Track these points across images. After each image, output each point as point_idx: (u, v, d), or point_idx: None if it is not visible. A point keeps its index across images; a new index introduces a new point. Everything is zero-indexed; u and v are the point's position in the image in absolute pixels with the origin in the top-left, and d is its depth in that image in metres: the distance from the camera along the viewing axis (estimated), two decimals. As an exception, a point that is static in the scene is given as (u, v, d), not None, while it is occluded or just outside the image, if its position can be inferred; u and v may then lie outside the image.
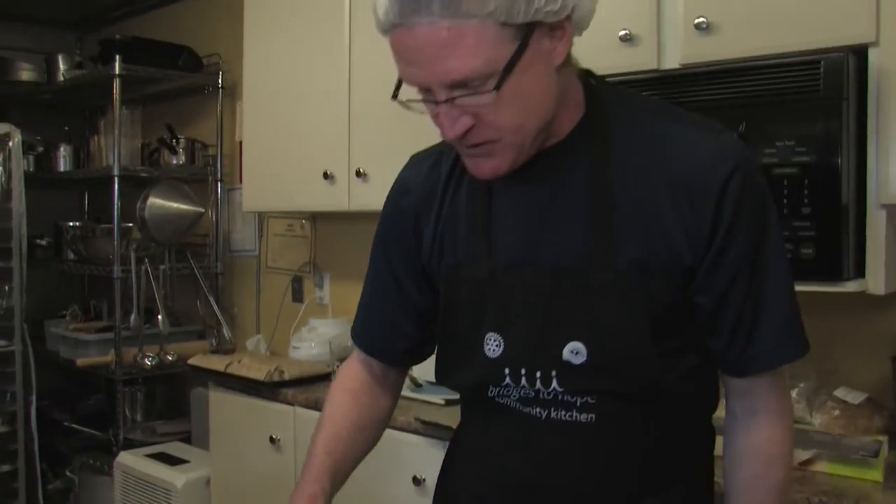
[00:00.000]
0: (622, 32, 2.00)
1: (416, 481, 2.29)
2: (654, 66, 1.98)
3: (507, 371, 1.16)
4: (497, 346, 1.16)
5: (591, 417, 1.13)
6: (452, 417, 2.25)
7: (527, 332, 1.14)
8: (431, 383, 2.60)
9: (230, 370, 2.88)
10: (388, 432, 2.30)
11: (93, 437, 3.83)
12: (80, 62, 4.10)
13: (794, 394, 1.94)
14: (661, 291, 1.09)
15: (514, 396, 1.17)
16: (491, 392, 1.20)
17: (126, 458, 3.33)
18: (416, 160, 1.30)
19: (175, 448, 3.44)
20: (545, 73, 1.05)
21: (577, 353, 1.11)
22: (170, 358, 3.59)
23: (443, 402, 2.45)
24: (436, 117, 1.07)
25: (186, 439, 3.65)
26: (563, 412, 1.14)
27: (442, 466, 1.40)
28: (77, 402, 4.15)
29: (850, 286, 1.72)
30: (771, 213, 1.12)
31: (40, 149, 4.17)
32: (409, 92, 1.08)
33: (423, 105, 1.08)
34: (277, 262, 3.57)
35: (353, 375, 1.36)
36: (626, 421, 1.14)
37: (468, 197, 1.20)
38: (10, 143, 3.67)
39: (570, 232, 1.12)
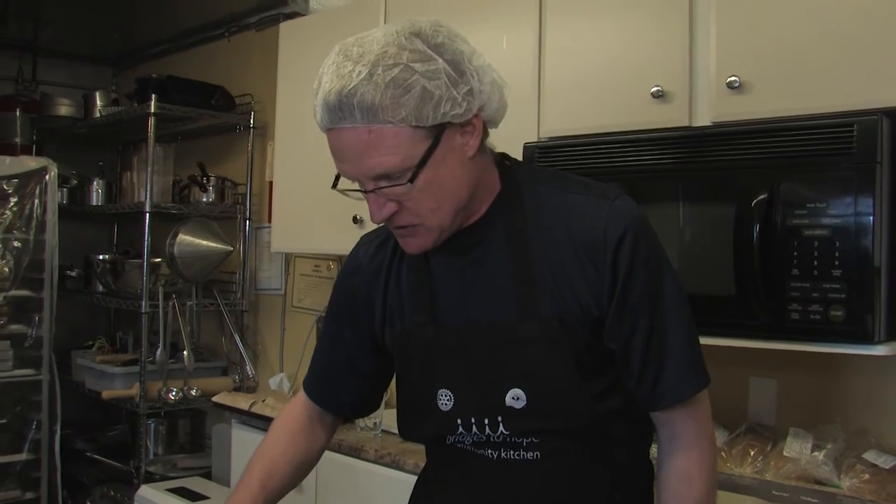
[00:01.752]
0: (654, 89, 2.01)
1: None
2: (685, 122, 1.99)
3: (459, 421, 1.30)
4: (448, 400, 1.31)
5: (536, 455, 1.29)
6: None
7: (472, 385, 1.29)
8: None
9: (255, 409, 2.90)
10: (398, 476, 2.37)
11: (113, 469, 3.85)
12: (117, 98, 4.18)
13: (820, 455, 1.92)
14: (579, 339, 1.25)
15: (469, 441, 1.32)
16: (448, 440, 1.34)
17: (147, 491, 3.34)
18: (366, 241, 1.46)
19: (195, 483, 3.44)
20: (458, 164, 1.22)
21: (517, 398, 1.26)
22: (193, 393, 3.61)
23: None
24: (368, 203, 1.23)
25: (207, 475, 3.65)
26: (512, 452, 1.29)
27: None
28: (99, 432, 4.18)
29: (881, 349, 1.71)
30: (664, 264, 1.28)
31: (74, 182, 4.25)
32: (347, 182, 1.24)
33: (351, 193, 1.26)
34: (303, 301, 3.60)
35: (295, 415, 1.50)
36: (568, 457, 1.29)
37: (409, 269, 1.36)
38: (47, 177, 3.74)
39: (498, 293, 1.28)
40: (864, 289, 1.68)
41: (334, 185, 1.27)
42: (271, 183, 3.52)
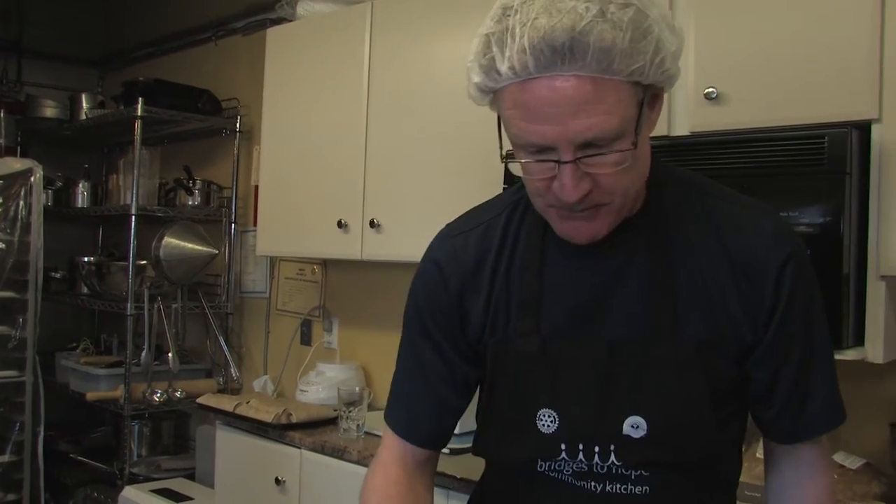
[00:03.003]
0: (634, 99, 2.06)
1: (419, 529, 2.31)
2: (664, 132, 2.04)
3: (563, 447, 1.14)
4: (552, 421, 1.14)
5: (646, 490, 1.14)
6: (459, 467, 2.28)
7: (583, 407, 1.13)
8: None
9: (239, 411, 2.92)
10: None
11: (97, 470, 3.86)
12: (103, 101, 4.19)
13: (793, 456, 1.97)
14: (720, 365, 1.12)
15: (567, 471, 1.16)
16: (541, 466, 1.18)
17: (131, 492, 3.36)
18: (458, 232, 1.24)
19: (179, 484, 3.47)
20: (647, 139, 1.07)
21: (637, 427, 1.11)
22: (178, 395, 3.63)
23: (448, 451, 2.48)
24: (542, 181, 1.03)
25: (190, 476, 3.67)
26: (619, 485, 1.14)
27: None
28: (83, 434, 4.18)
29: (850, 354, 1.77)
30: (818, 292, 1.17)
31: (59, 184, 4.26)
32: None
33: (521, 169, 1.04)
34: (287, 304, 3.63)
35: (393, 477, 1.25)
36: (679, 491, 1.15)
37: (521, 268, 1.18)
38: (32, 179, 3.75)
39: (629, 306, 1.12)
40: (833, 296, 1.73)
41: (506, 158, 1.04)
42: (257, 187, 3.55)
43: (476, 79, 1.02)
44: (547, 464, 1.17)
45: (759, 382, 1.15)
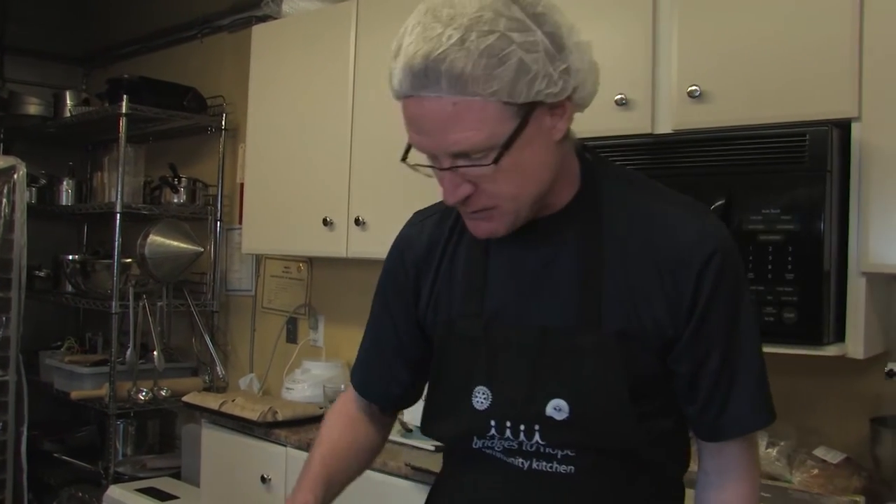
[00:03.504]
0: (618, 96, 2.08)
1: (405, 526, 2.32)
2: (647, 130, 2.06)
3: (492, 423, 1.21)
4: (485, 398, 1.21)
5: (571, 469, 1.19)
6: (439, 463, 2.29)
7: (513, 387, 1.19)
8: (422, 428, 2.64)
9: (224, 409, 2.92)
10: (378, 476, 2.40)
11: (81, 469, 3.84)
12: (87, 98, 4.18)
13: (774, 452, 2.00)
14: (641, 358, 1.16)
15: (498, 448, 1.23)
16: (475, 443, 1.24)
17: (116, 492, 3.34)
18: (420, 217, 1.37)
19: (165, 483, 3.45)
20: (544, 148, 1.12)
21: (559, 409, 1.17)
22: (163, 393, 3.62)
23: (433, 447, 2.49)
24: (440, 181, 1.14)
25: (176, 475, 3.66)
26: (545, 463, 1.20)
27: None
28: (67, 433, 4.16)
29: (831, 350, 1.79)
30: (745, 291, 1.20)
31: (43, 182, 4.24)
32: (418, 155, 1.15)
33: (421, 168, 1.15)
34: (273, 302, 3.62)
35: (350, 407, 1.43)
36: (604, 475, 1.20)
37: (466, 255, 1.27)
38: (16, 176, 3.72)
39: (560, 296, 1.19)
40: (814, 292, 1.76)
41: (404, 158, 1.15)
42: (242, 184, 3.55)
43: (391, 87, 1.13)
44: (481, 441, 1.23)
45: (681, 378, 1.19)
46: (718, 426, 1.19)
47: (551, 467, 1.20)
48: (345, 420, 1.42)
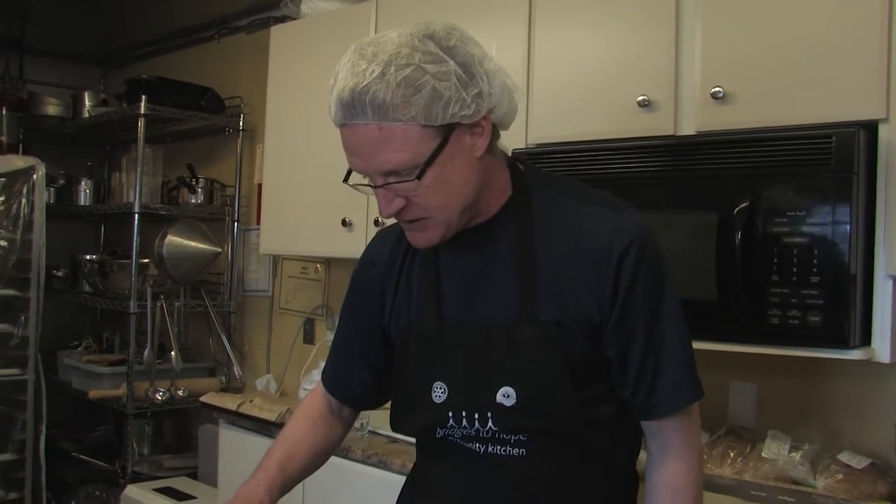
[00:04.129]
0: (640, 98, 2.06)
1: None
2: (670, 131, 2.04)
3: (450, 413, 1.34)
4: (442, 392, 1.35)
5: (522, 452, 1.32)
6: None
7: (466, 380, 1.33)
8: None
9: (242, 410, 2.92)
10: (385, 476, 2.40)
11: (99, 469, 3.86)
12: (105, 99, 4.19)
13: (797, 456, 1.98)
14: (576, 345, 1.29)
15: (458, 435, 1.35)
16: (438, 433, 1.37)
17: (133, 491, 3.36)
18: (381, 235, 1.51)
19: (182, 483, 3.47)
20: (466, 164, 1.25)
21: (508, 396, 1.30)
22: (180, 393, 3.63)
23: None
24: (376, 198, 1.27)
25: (193, 475, 3.67)
26: (499, 447, 1.33)
27: (398, 499, 1.57)
28: (84, 432, 4.18)
29: (856, 354, 1.77)
30: (666, 278, 1.31)
31: (62, 182, 4.25)
32: (358, 177, 1.28)
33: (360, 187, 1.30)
34: (290, 303, 3.63)
35: (316, 405, 1.56)
36: (553, 457, 1.32)
37: (421, 266, 1.41)
38: (35, 176, 3.75)
39: (500, 294, 1.32)
40: (840, 295, 1.74)
41: (346, 180, 1.31)
42: (260, 185, 3.55)
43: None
44: (442, 430, 1.36)
45: (613, 362, 1.31)
46: (650, 405, 1.31)
47: (505, 451, 1.32)
48: (308, 423, 1.54)
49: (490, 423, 1.31)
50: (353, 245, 2.82)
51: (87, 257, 4.06)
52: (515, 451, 1.32)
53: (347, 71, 1.20)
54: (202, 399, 3.14)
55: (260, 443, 2.89)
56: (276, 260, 3.70)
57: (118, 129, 4.03)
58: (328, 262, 3.46)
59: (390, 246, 1.46)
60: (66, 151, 4.51)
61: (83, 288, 4.15)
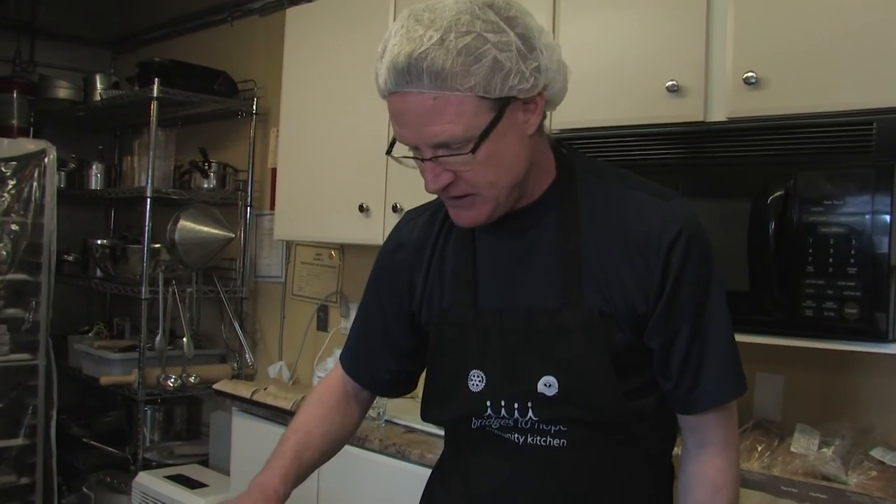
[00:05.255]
0: (669, 83, 2.01)
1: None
2: (700, 118, 1.98)
3: (488, 403, 1.30)
4: (480, 381, 1.30)
5: (563, 443, 1.28)
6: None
7: (505, 368, 1.28)
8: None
9: (256, 398, 2.89)
10: (416, 469, 2.36)
11: (110, 455, 3.83)
12: (117, 82, 4.14)
13: (829, 451, 1.93)
14: (619, 334, 1.24)
15: (496, 425, 1.31)
16: (474, 423, 1.33)
17: (145, 478, 3.33)
18: (411, 216, 1.45)
19: (193, 471, 3.44)
20: (518, 140, 1.20)
21: (549, 385, 1.25)
22: (192, 380, 3.60)
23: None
24: (422, 172, 1.21)
25: (204, 462, 3.65)
26: (538, 438, 1.28)
27: (424, 494, 1.52)
28: (94, 418, 4.15)
29: (894, 348, 1.72)
30: (713, 269, 1.27)
31: (73, 166, 4.22)
32: (403, 149, 1.23)
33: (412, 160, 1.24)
34: (304, 290, 3.58)
35: (331, 391, 1.50)
36: (594, 448, 1.28)
37: (455, 249, 1.35)
38: (46, 160, 3.71)
39: (542, 280, 1.27)
40: (878, 287, 1.68)
41: (389, 151, 1.25)
42: (273, 170, 3.51)
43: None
44: (478, 420, 1.32)
45: (656, 354, 1.27)
46: (692, 399, 1.27)
47: (545, 441, 1.28)
48: (323, 410, 1.48)
49: (530, 413, 1.27)
50: (370, 231, 2.77)
51: (99, 242, 4.02)
52: (556, 441, 1.28)
53: (402, 36, 1.14)
54: (216, 386, 3.11)
55: (273, 431, 2.85)
56: (290, 246, 3.65)
57: (130, 113, 3.99)
58: (342, 249, 3.42)
59: (421, 228, 1.40)
60: (77, 135, 4.47)
61: (94, 273, 4.12)
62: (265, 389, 2.90)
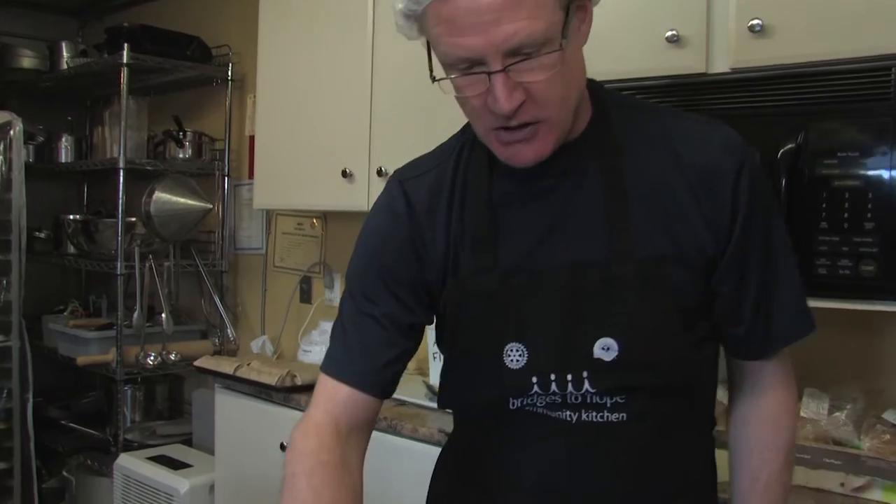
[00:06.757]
0: (669, 33, 1.90)
1: (438, 496, 2.19)
2: (702, 69, 1.88)
3: (534, 380, 1.12)
4: (520, 356, 1.12)
5: (622, 417, 1.12)
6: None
7: (551, 336, 1.10)
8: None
9: (240, 373, 2.78)
10: (407, 444, 2.27)
11: (90, 437, 3.73)
12: (84, 50, 3.98)
13: (842, 416, 1.86)
14: (685, 282, 1.10)
15: (541, 404, 1.14)
16: (512, 404, 1.15)
17: (126, 460, 3.23)
18: (411, 175, 1.23)
19: (177, 451, 3.34)
20: (579, 51, 1.07)
21: (608, 348, 1.09)
22: (172, 357, 3.49)
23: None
24: (477, 98, 1.03)
25: (187, 441, 3.55)
26: (594, 413, 1.12)
27: (437, 482, 1.35)
28: (72, 399, 4.04)
29: (915, 309, 1.64)
30: (775, 203, 1.18)
31: (41, 139, 4.06)
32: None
33: (455, 90, 1.05)
34: (285, 261, 3.47)
35: (323, 443, 1.13)
36: (658, 418, 1.14)
37: (472, 205, 1.17)
38: (11, 132, 3.55)
39: (588, 228, 1.11)
40: (897, 243, 1.60)
41: (432, 75, 1.05)
42: (251, 138, 3.38)
43: (399, 5, 1.04)
44: (519, 400, 1.14)
45: (727, 297, 1.14)
46: (768, 340, 1.17)
47: (601, 417, 1.12)
48: (331, 473, 1.11)
49: (586, 385, 1.10)
50: (355, 197, 2.66)
51: (71, 217, 3.87)
52: (614, 416, 1.12)
53: None
54: (197, 363, 3.00)
55: (258, 408, 2.76)
56: (270, 216, 3.53)
57: (99, 82, 3.83)
58: (325, 217, 3.30)
59: (427, 187, 1.19)
60: (44, 107, 4.30)
61: (67, 249, 3.98)
62: (248, 365, 2.80)
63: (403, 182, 1.23)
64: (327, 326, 2.96)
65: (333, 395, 1.18)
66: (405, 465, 2.25)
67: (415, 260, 1.18)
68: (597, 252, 1.10)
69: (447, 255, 1.17)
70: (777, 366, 1.21)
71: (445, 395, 1.22)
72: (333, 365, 1.20)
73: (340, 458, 1.13)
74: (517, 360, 1.12)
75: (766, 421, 1.21)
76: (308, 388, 2.66)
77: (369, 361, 1.19)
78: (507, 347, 1.12)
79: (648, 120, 1.15)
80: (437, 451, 2.19)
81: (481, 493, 1.23)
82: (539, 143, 1.05)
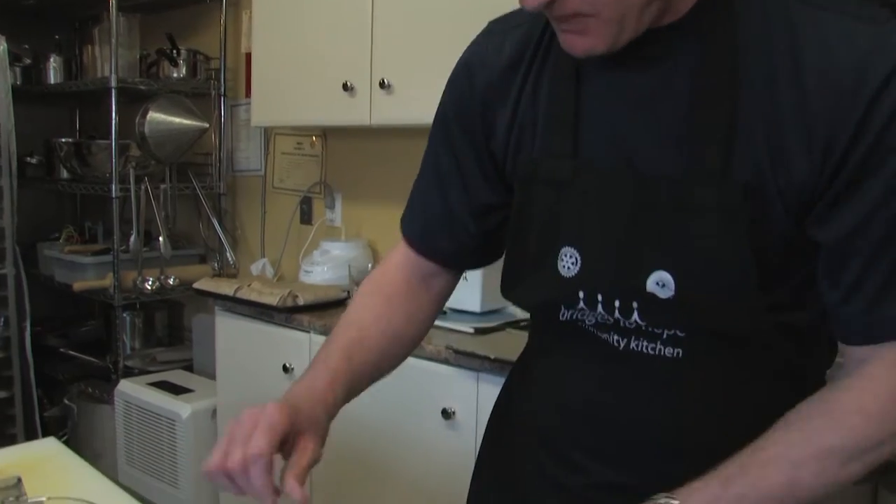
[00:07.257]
0: None
1: (446, 414, 2.15)
2: None
3: (581, 294, 0.98)
4: (573, 263, 0.97)
5: (679, 353, 0.95)
6: (483, 346, 2.10)
7: (607, 251, 0.94)
8: (457, 311, 2.44)
9: (240, 294, 2.71)
10: (415, 362, 2.20)
11: (89, 365, 3.68)
12: (70, -34, 3.82)
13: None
14: (775, 219, 0.87)
15: (590, 321, 1.00)
16: (563, 315, 1.03)
17: (127, 386, 3.18)
18: (498, 29, 1.07)
19: (178, 376, 3.29)
20: None
21: (663, 285, 0.91)
22: (171, 282, 3.42)
23: (472, 330, 2.29)
24: None
25: (188, 367, 3.51)
26: (646, 343, 0.97)
27: (502, 391, 1.25)
28: (71, 327, 3.98)
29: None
30: None
31: (28, 60, 3.92)
32: None
33: None
34: (285, 182, 3.38)
35: (389, 277, 1.16)
36: (723, 365, 0.96)
37: (553, 79, 0.98)
38: (-4, 53, 3.42)
39: (674, 134, 0.89)
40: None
41: None
42: (248, 55, 3.26)
43: None
44: (569, 311, 1.02)
45: (825, 251, 0.88)
46: (870, 320, 0.87)
47: (654, 349, 0.96)
48: (380, 299, 1.13)
49: (635, 316, 0.95)
50: (356, 112, 2.56)
51: (62, 140, 3.76)
52: (669, 350, 0.96)
53: None
54: (196, 285, 2.92)
55: (260, 329, 2.69)
56: (268, 135, 3.42)
57: (86, 0, 3.68)
58: (325, 135, 3.20)
59: (513, 43, 1.03)
60: (30, 27, 4.13)
61: (60, 174, 3.87)
62: (249, 286, 2.72)
63: (491, 36, 1.08)
64: (329, 247, 2.89)
65: (405, 248, 1.18)
66: (426, 387, 2.20)
67: (482, 128, 1.06)
68: (678, 165, 0.89)
69: (511, 130, 1.03)
70: (889, 369, 0.88)
71: (504, 284, 1.10)
72: (405, 222, 1.19)
73: (396, 290, 1.15)
74: (569, 268, 0.98)
75: (833, 413, 0.89)
76: (310, 309, 2.60)
77: (431, 228, 1.15)
78: (562, 250, 0.98)
79: (792, 6, 0.87)
80: (445, 369, 2.16)
81: (531, 402, 1.13)
82: (589, 39, 0.86)
